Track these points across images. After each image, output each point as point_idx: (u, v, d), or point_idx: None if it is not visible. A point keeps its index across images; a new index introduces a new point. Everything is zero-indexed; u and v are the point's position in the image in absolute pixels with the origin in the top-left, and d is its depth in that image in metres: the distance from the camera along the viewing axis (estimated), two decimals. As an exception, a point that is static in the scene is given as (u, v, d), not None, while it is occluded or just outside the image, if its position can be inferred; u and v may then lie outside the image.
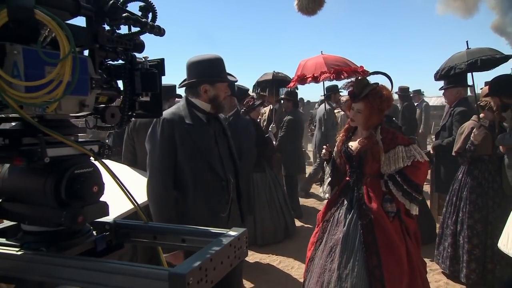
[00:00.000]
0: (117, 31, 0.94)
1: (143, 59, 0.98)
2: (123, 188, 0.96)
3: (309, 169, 7.98)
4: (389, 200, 2.72)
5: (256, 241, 4.93)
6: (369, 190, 2.79)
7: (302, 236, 5.22)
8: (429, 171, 4.85)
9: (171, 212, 2.36)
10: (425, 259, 3.05)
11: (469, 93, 5.84)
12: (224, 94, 2.54)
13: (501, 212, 3.51)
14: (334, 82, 5.32)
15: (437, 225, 4.61)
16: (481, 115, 3.90)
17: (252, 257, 4.73)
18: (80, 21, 0.89)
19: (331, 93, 7.26)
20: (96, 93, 0.89)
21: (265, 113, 6.75)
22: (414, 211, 2.74)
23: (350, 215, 2.79)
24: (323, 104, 5.62)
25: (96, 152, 0.91)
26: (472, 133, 3.73)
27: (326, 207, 3.06)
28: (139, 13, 0.94)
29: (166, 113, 2.40)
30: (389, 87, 2.89)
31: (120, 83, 0.97)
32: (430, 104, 11.46)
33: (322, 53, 3.79)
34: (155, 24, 0.94)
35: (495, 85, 3.65)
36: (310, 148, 10.56)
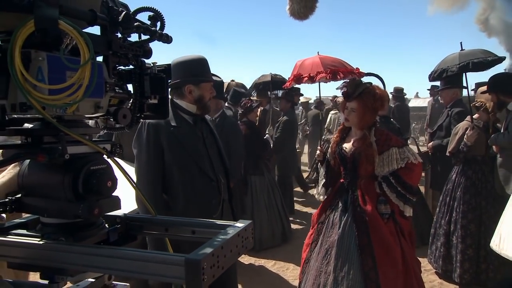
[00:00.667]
0: (128, 38, 1.04)
1: (152, 65, 1.07)
2: (133, 184, 1.05)
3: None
4: (383, 201, 2.79)
5: (254, 247, 4.90)
6: (363, 192, 2.86)
7: (296, 237, 5.32)
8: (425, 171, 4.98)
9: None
10: (421, 259, 3.16)
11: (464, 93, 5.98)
12: (210, 94, 2.57)
13: (494, 212, 3.62)
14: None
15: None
16: (475, 116, 4.02)
17: (247, 258, 4.80)
18: (94, 29, 0.99)
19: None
20: (110, 95, 0.98)
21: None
22: (408, 213, 2.82)
23: (345, 217, 2.85)
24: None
25: (109, 150, 1.01)
26: (466, 134, 3.85)
27: (320, 208, 3.13)
28: (148, 22, 1.04)
29: None
30: (382, 88, 3.00)
31: (130, 87, 1.07)
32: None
33: (318, 54, 3.87)
34: (164, 32, 1.04)
35: (493, 82, 3.79)
36: (305, 151, 10.68)
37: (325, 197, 3.13)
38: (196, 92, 2.49)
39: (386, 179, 2.80)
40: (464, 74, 3.96)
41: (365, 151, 2.82)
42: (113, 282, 1.08)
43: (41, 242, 0.90)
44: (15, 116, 0.91)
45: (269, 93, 7.04)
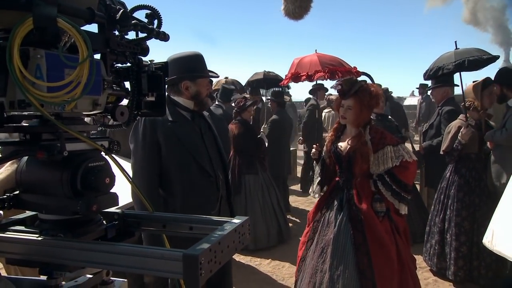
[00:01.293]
0: (125, 36, 1.05)
1: (149, 62, 1.09)
2: (131, 181, 1.07)
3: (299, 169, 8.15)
4: (378, 199, 2.82)
5: (248, 246, 4.86)
6: (359, 191, 2.88)
7: (292, 235, 5.34)
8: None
9: None
10: (417, 257, 3.19)
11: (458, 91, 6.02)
12: (206, 90, 2.57)
13: (487, 210, 3.65)
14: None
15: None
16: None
17: (242, 256, 4.82)
18: (91, 27, 1.00)
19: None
20: (108, 93, 1.00)
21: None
22: (404, 211, 2.85)
23: (341, 216, 2.88)
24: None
25: (107, 147, 1.02)
26: (460, 132, 3.89)
27: (316, 206, 3.15)
28: (146, 20, 1.05)
29: None
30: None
31: (127, 84, 1.09)
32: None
33: (316, 52, 3.88)
34: (161, 30, 1.05)
35: (500, 74, 3.85)
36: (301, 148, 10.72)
37: (321, 195, 3.16)
38: (192, 88, 2.49)
39: (381, 178, 2.82)
40: (459, 73, 3.99)
41: (360, 149, 2.84)
42: (111, 278, 1.09)
43: (39, 238, 0.92)
44: (14, 113, 0.93)
45: (261, 91, 7.05)
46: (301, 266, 3.07)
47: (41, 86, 0.85)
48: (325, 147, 3.19)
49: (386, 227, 2.81)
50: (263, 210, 5.10)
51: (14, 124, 0.94)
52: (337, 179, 3.07)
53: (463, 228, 3.85)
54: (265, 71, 7.04)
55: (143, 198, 1.10)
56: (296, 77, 3.62)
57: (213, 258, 0.83)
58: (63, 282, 1.01)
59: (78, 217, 0.97)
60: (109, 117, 1.04)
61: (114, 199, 1.00)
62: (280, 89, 6.57)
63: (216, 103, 5.64)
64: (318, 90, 7.34)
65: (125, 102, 1.10)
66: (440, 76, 4.10)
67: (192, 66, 2.49)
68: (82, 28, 0.92)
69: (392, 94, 8.85)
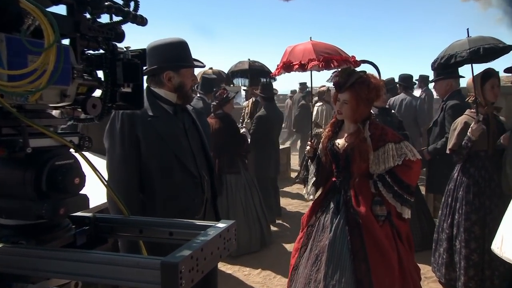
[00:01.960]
0: (98, 19, 1.04)
1: (125, 49, 1.07)
2: (104, 181, 1.06)
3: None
4: (378, 202, 2.82)
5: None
6: (357, 192, 2.88)
7: (285, 242, 5.36)
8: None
9: None
10: (422, 266, 3.18)
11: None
12: (191, 81, 2.54)
13: (498, 213, 3.58)
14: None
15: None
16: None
17: (230, 265, 4.81)
18: (59, 9, 0.99)
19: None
20: (78, 83, 0.98)
21: (247, 107, 6.81)
22: (406, 215, 2.85)
23: (337, 219, 2.88)
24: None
25: (76, 144, 1.01)
26: (470, 128, 3.83)
27: (310, 210, 3.15)
28: (121, 2, 1.04)
29: None
30: (377, 76, 3.02)
31: (100, 74, 1.07)
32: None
33: (311, 40, 3.85)
34: (138, 13, 1.04)
35: None
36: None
37: (316, 197, 3.16)
38: (176, 79, 2.44)
39: (381, 178, 2.83)
40: (471, 65, 3.97)
41: (358, 146, 2.84)
42: (81, 290, 1.08)
43: (-3, 246, 0.90)
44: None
45: (245, 81, 7.05)
46: (294, 275, 3.06)
47: (0, 74, 0.83)
48: (321, 144, 3.17)
49: (386, 232, 2.81)
50: (246, 213, 5.08)
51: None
52: (333, 179, 3.07)
53: (473, 233, 3.79)
54: (249, 59, 7.03)
55: (118, 200, 1.08)
56: (288, 66, 3.59)
57: (195, 267, 0.83)
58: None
59: (43, 221, 0.95)
60: (80, 110, 1.03)
61: (84, 201, 0.99)
62: (268, 80, 6.57)
63: (198, 95, 5.59)
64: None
65: (98, 93, 1.08)
66: (453, 64, 4.03)
67: (175, 55, 2.44)
68: (48, 9, 0.90)
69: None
